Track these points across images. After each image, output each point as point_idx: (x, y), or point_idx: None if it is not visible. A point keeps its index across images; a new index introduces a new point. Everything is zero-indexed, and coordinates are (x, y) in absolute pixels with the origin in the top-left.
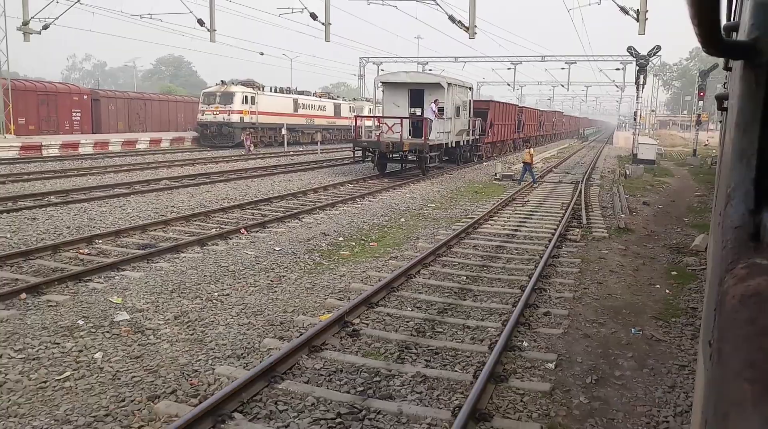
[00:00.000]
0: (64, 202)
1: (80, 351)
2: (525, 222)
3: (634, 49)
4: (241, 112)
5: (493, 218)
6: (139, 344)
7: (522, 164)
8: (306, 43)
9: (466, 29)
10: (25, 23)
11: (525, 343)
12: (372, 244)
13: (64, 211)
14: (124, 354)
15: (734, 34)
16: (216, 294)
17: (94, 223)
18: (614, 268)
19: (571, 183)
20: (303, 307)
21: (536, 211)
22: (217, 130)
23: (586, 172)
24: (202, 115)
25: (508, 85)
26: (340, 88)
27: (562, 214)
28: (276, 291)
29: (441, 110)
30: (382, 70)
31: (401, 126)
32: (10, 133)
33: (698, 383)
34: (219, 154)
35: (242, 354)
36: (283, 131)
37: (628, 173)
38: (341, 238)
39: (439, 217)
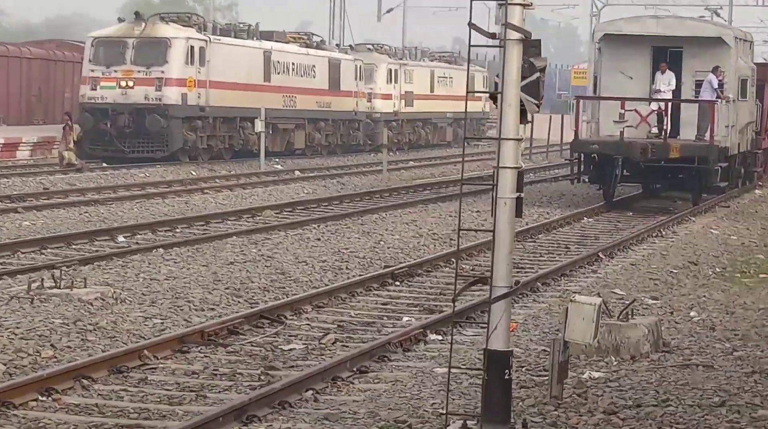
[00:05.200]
0: None
1: None
2: None
3: None
4: (183, 81)
5: None
6: None
7: None
8: None
9: None
10: None
11: None
12: (762, 275)
13: None
14: None
15: None
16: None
17: None
18: None
19: None
20: None
21: None
22: (129, 120)
23: None
24: (94, 88)
25: None
26: None
27: None
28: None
29: (721, 86)
30: None
31: (666, 115)
32: None
33: None
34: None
35: None
36: (258, 126)
37: None
38: (718, 268)
39: None
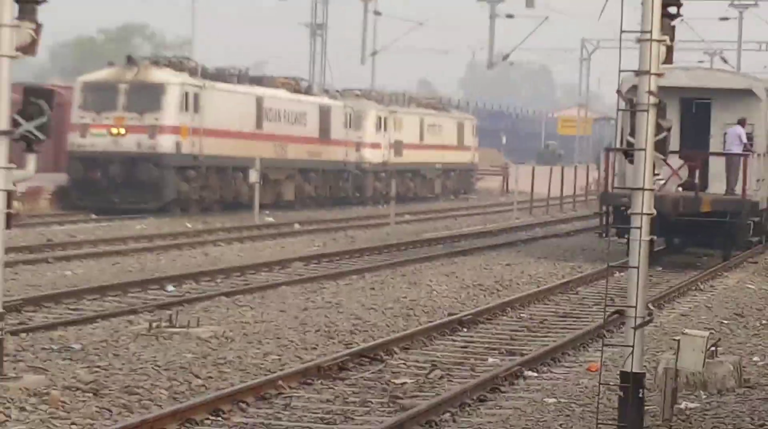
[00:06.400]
0: None
1: None
2: None
3: None
4: (178, 128)
5: None
6: None
7: None
8: None
9: None
10: None
11: None
12: None
13: None
14: None
15: None
16: None
17: None
18: None
19: None
20: None
21: None
22: (120, 169)
23: None
24: (83, 135)
25: None
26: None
27: None
28: None
29: (750, 139)
30: None
31: (699, 170)
32: None
33: None
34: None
35: None
36: (252, 176)
37: None
38: (764, 321)
39: None
